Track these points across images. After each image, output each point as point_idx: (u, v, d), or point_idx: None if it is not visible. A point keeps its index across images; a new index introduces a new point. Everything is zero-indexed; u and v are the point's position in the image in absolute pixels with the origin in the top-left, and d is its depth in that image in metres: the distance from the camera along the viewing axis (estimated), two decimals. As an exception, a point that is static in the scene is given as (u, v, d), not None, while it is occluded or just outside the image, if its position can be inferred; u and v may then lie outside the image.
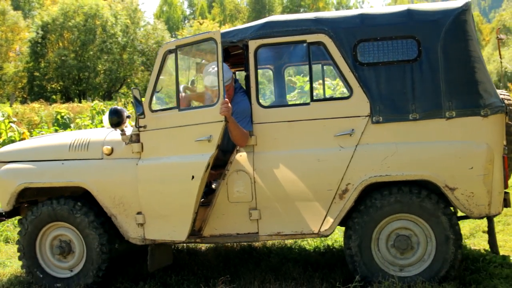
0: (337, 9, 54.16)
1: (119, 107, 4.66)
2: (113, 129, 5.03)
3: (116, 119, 4.58)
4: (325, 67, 5.81)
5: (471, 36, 4.25)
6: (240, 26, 4.72)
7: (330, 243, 5.82)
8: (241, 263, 5.34)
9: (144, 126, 4.60)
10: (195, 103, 5.22)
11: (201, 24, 34.97)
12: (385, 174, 4.24)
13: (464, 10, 4.24)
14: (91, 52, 31.36)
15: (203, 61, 5.49)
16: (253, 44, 4.48)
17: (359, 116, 4.32)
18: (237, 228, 4.55)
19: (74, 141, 4.88)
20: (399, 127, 4.28)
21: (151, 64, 33.47)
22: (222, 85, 4.22)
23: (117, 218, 4.71)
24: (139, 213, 4.63)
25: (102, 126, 11.74)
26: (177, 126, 4.46)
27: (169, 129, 4.51)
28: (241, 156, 4.49)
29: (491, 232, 4.41)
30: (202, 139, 4.29)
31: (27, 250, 4.89)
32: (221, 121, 4.22)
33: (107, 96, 31.44)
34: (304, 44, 4.44)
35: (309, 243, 5.89)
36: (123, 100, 26.22)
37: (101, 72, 31.73)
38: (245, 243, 5.83)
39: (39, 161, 4.90)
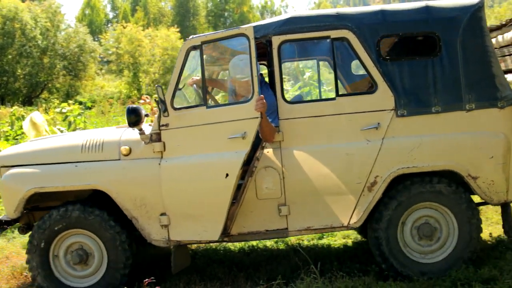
0: (261, 13, 54.68)
1: (136, 106, 4.52)
2: (126, 128, 4.91)
3: (134, 118, 4.42)
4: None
5: (486, 31, 4.48)
6: (261, 21, 4.70)
7: (254, 243, 5.89)
8: (167, 265, 5.24)
9: (166, 125, 4.49)
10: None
11: (124, 27, 34.08)
12: (412, 165, 4.39)
13: (480, 7, 4.46)
14: (10, 56, 29.87)
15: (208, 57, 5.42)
16: (276, 40, 4.49)
17: (384, 110, 4.44)
18: (266, 225, 4.54)
19: (86, 142, 4.67)
20: (423, 120, 4.44)
21: (73, 68, 32.36)
22: (256, 82, 4.21)
23: (138, 220, 4.55)
24: (163, 214, 4.51)
25: (22, 132, 11.21)
26: (206, 123, 4.39)
27: (196, 127, 4.42)
28: (268, 152, 4.48)
29: (507, 217, 4.64)
30: (235, 137, 4.26)
31: (40, 257, 4.63)
32: (257, 117, 4.21)
33: (27, 101, 29.99)
34: (328, 40, 4.51)
35: (234, 244, 5.94)
36: (44, 105, 25.14)
37: (21, 76, 30.25)
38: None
39: (48, 164, 4.65)
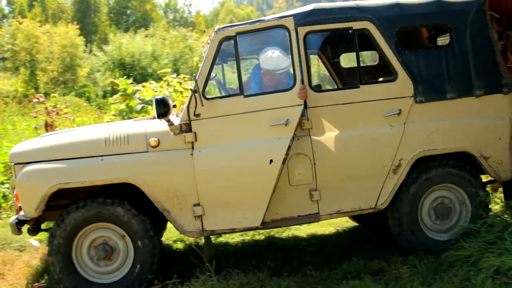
0: (165, 11, 53.72)
1: (163, 96, 4.45)
2: (146, 120, 4.83)
3: (163, 109, 4.35)
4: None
5: (489, 24, 4.88)
6: (282, 13, 4.80)
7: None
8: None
9: (198, 115, 4.48)
10: None
11: (20, 23, 32.38)
12: (432, 148, 4.70)
13: (484, 1, 4.85)
14: None
15: None
16: (302, 31, 4.61)
17: (404, 97, 4.71)
18: (298, 210, 4.65)
19: (109, 135, 4.54)
20: (439, 106, 4.76)
21: (-37, 65, 30.31)
22: (299, 71, 4.36)
23: (170, 212, 4.50)
24: (196, 205, 4.49)
25: None
26: (244, 112, 4.46)
27: (232, 116, 4.46)
28: (298, 140, 4.59)
29: (510, 194, 5.07)
30: (278, 124, 4.37)
31: (62, 252, 4.46)
32: (300, 105, 4.38)
33: None
34: (350, 31, 4.70)
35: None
36: None
37: None
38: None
39: (71, 159, 4.46)
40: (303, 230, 6.13)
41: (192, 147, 4.48)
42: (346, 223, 6.33)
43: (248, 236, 6.00)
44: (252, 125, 4.45)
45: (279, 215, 4.64)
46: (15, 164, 4.56)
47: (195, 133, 4.48)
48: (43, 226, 5.00)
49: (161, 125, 4.57)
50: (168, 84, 11.27)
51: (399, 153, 4.68)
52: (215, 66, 4.59)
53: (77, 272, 4.52)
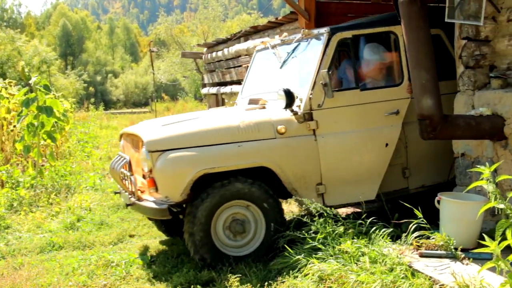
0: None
1: (289, 89, 5.00)
2: (260, 109, 5.39)
3: (290, 99, 4.99)
4: None
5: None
6: (374, 17, 5.60)
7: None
8: None
9: (319, 105, 5.10)
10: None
11: None
12: None
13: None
14: None
15: None
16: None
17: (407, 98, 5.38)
18: (394, 185, 5.49)
19: (239, 123, 4.97)
20: None
21: None
22: (406, 70, 5.22)
23: (298, 191, 5.06)
24: (319, 184, 5.12)
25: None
26: (361, 103, 5.23)
27: (351, 106, 5.20)
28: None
29: None
30: (391, 113, 5.21)
31: (203, 224, 4.78)
32: (408, 98, 5.26)
33: None
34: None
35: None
36: None
37: None
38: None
39: (211, 146, 4.83)
40: (134, 243, 6.07)
41: (314, 134, 5.11)
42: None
43: (79, 252, 5.79)
44: (368, 114, 5.24)
45: (380, 190, 5.42)
46: (153, 151, 4.77)
47: (316, 121, 5.10)
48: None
49: (285, 114, 5.13)
50: (-8, 90, 10.73)
51: None
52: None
53: (213, 244, 4.86)
